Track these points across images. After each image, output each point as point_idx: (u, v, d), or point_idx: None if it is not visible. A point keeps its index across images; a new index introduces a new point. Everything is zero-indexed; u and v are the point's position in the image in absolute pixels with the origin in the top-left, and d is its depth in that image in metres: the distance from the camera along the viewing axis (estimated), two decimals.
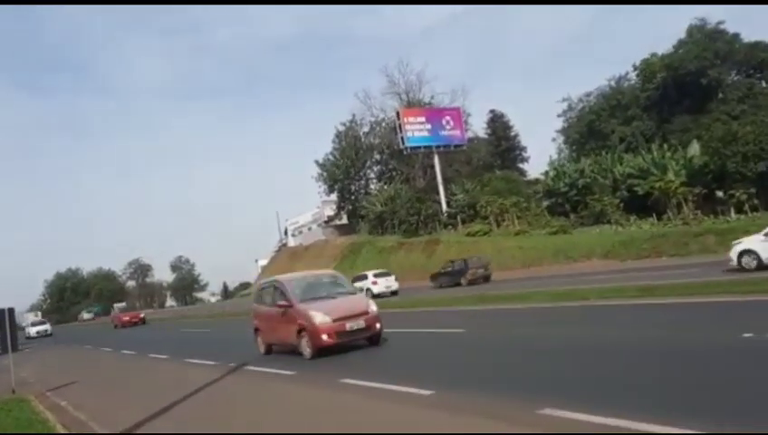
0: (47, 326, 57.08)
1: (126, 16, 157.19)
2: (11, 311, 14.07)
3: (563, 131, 57.50)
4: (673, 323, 10.71)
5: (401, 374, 9.06)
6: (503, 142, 72.34)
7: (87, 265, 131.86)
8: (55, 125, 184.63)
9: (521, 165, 71.00)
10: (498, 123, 74.04)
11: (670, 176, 37.71)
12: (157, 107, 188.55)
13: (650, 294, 14.03)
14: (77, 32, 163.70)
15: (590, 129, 51.61)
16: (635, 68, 50.08)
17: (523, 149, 73.46)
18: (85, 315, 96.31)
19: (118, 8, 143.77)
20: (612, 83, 52.47)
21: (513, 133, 73.81)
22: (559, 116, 57.48)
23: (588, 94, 53.89)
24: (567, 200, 45.40)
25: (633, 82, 51.62)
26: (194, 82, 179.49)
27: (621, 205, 39.83)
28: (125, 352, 22.05)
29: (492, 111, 73.64)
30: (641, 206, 39.27)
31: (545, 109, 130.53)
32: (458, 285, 32.60)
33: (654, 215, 37.67)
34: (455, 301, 20.71)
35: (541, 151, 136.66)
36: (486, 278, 32.88)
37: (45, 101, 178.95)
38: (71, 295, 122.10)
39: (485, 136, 72.31)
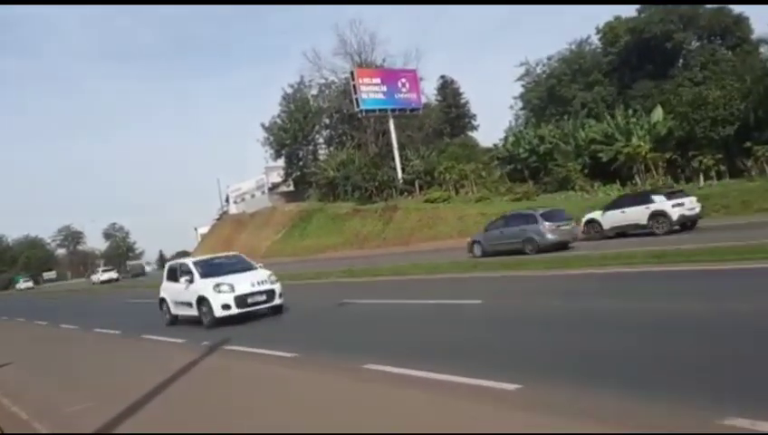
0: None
1: None
2: None
3: (522, 97, 56.31)
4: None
5: (456, 359, 7.22)
6: (453, 109, 71.08)
7: (12, 232, 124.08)
8: None
9: (470, 133, 69.87)
10: (449, 90, 72.60)
11: (635, 141, 37.11)
12: (88, 69, 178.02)
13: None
14: None
15: (550, 94, 50.51)
16: (598, 31, 49.17)
17: (473, 116, 72.62)
18: (22, 284, 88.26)
19: None
20: (573, 47, 51.44)
21: (463, 100, 72.74)
22: (516, 81, 56.24)
23: (549, 58, 52.68)
24: (526, 167, 44.40)
25: (595, 46, 50.76)
26: (125, 44, 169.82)
27: (585, 171, 39.12)
28: (65, 326, 19.32)
29: (442, 77, 72.05)
30: (604, 172, 38.62)
31: (495, 77, 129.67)
32: None
33: (618, 181, 37.19)
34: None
35: (489, 120, 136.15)
36: None
37: None
38: None
39: (435, 102, 70.75)
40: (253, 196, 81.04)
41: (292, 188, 74.51)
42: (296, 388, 7.11)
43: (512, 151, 45.83)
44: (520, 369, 6.36)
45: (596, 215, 23.56)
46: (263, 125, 70.59)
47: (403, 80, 55.44)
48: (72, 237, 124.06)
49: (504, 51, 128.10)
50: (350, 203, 53.70)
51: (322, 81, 67.64)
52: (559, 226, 21.46)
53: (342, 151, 60.16)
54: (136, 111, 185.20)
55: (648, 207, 21.58)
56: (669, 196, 21.94)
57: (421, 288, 15.78)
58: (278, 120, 69.38)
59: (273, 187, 77.42)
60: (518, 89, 57.70)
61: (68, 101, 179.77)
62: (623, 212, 22.36)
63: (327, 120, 70.80)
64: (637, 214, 21.87)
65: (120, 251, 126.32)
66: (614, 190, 35.64)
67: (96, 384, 9.18)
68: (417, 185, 50.04)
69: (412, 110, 56.63)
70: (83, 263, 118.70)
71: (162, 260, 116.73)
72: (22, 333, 21.06)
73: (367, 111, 53.91)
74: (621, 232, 22.31)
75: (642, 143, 35.32)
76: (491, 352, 7.51)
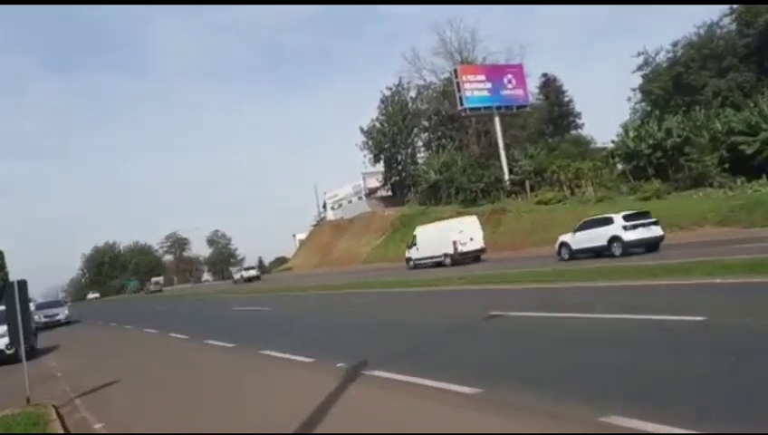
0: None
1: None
2: (22, 284, 9.83)
3: (641, 88, 51.69)
4: None
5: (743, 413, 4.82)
6: (555, 108, 67.57)
7: (124, 240, 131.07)
8: (92, 102, 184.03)
9: (574, 132, 65.95)
10: (551, 88, 69.18)
11: None
12: (191, 84, 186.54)
13: None
14: (112, 12, 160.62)
15: (675, 83, 45.84)
16: (731, 11, 44.12)
17: (578, 114, 68.69)
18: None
19: None
20: (701, 31, 46.53)
21: (566, 98, 69.05)
22: (634, 72, 51.75)
23: (674, 44, 47.81)
24: (650, 163, 40.34)
25: (726, 29, 45.59)
26: (226, 58, 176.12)
27: (725, 165, 34.88)
28: (174, 335, 18.23)
29: (544, 75, 68.66)
30: (746, 166, 34.28)
31: (600, 71, 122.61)
32: None
33: (765, 176, 32.77)
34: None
35: (594, 116, 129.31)
36: None
37: (81, 78, 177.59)
38: (108, 269, 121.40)
39: (537, 101, 67.28)
40: (350, 201, 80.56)
41: (389, 192, 73.28)
42: None
43: (633, 147, 41.86)
44: None
45: None
46: (362, 129, 69.81)
47: (509, 75, 52.73)
48: (177, 244, 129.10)
49: (609, 44, 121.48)
50: (453, 206, 51.38)
51: (421, 82, 66.17)
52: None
53: (444, 153, 58.03)
54: (237, 123, 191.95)
55: None
56: None
57: (580, 299, 13.18)
58: (376, 124, 68.31)
59: (371, 192, 76.53)
60: (635, 81, 53.16)
61: (175, 116, 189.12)
62: None
63: (426, 123, 69.09)
64: None
65: (223, 257, 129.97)
66: (764, 186, 31.42)
67: (213, 417, 7.45)
68: (527, 186, 46.97)
69: (519, 106, 53.75)
70: (189, 269, 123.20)
71: (261, 266, 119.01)
72: (131, 343, 20.30)
73: (471, 109, 51.67)
74: None
75: None
76: None
